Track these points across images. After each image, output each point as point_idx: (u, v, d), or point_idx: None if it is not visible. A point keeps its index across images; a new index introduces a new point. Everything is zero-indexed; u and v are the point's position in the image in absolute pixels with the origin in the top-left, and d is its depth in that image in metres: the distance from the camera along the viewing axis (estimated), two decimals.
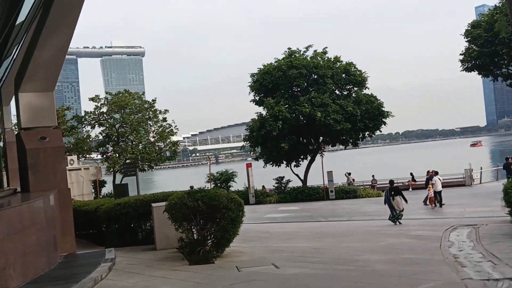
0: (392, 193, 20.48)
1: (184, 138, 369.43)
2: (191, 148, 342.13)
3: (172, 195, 13.16)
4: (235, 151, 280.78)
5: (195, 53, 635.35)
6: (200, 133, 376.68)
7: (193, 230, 11.82)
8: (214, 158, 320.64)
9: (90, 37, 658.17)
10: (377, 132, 40.34)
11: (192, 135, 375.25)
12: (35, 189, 15.97)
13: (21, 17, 16.45)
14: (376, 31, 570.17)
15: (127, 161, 39.68)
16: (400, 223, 19.66)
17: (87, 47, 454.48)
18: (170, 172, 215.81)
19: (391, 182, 22.02)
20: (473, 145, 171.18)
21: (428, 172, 37.63)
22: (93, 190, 40.37)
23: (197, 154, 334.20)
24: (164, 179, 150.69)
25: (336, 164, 70.80)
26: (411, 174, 42.80)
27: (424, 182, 33.89)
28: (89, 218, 16.89)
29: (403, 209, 20.47)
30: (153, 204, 14.52)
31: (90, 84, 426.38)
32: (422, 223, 19.92)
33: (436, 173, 29.90)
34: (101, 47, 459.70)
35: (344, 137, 38.37)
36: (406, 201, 20.86)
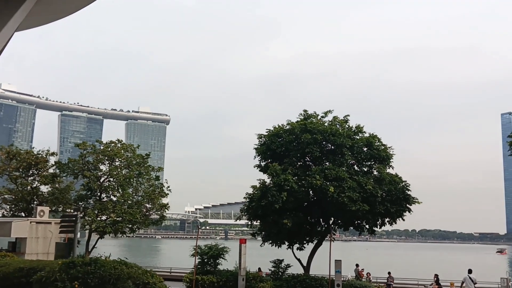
0: None
1: (196, 209, 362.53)
2: (202, 220, 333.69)
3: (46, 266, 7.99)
4: (246, 228, 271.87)
5: (219, 127, 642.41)
6: (213, 206, 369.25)
7: None
8: (224, 233, 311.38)
9: (120, 100, 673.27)
10: (399, 221, 33.76)
11: (204, 207, 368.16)
12: None
13: None
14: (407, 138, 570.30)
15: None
16: None
17: (115, 109, 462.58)
18: (177, 242, 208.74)
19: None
20: (499, 252, 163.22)
21: (435, 275, 35.79)
22: None
23: (207, 228, 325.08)
24: (169, 248, 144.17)
25: (346, 253, 63.98)
26: (436, 276, 36.06)
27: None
28: None
29: None
30: None
31: None
32: None
33: (470, 271, 28.22)
34: (128, 111, 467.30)
35: (359, 221, 32.25)
36: None
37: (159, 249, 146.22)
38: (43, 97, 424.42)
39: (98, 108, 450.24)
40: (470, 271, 28.54)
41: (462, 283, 28.56)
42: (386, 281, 37.04)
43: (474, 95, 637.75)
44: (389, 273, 37.96)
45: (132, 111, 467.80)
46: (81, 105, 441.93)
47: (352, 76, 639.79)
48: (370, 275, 38.55)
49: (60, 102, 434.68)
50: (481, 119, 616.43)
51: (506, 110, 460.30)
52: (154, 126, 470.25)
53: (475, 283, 27.95)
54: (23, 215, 40.00)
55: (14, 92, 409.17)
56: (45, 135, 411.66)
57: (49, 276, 8.16)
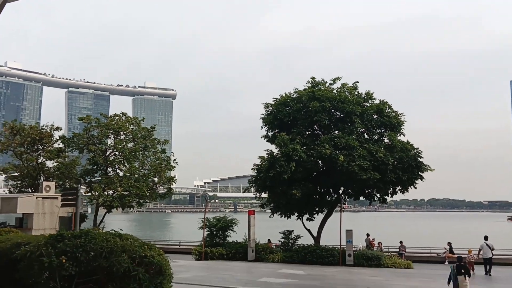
0: (462, 271, 16.48)
1: (205, 183, 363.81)
2: (211, 193, 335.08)
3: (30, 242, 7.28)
4: (254, 201, 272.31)
5: (224, 101, 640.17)
6: (222, 179, 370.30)
7: None
8: (233, 206, 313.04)
9: (126, 75, 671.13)
10: (410, 189, 32.84)
11: (213, 180, 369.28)
12: None
13: None
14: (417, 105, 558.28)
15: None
16: None
17: (121, 85, 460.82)
18: (187, 215, 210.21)
19: (460, 258, 17.22)
20: (510, 219, 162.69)
21: (449, 243, 36.11)
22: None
23: (216, 201, 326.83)
24: (179, 221, 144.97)
25: (356, 224, 63.59)
26: (449, 244, 35.49)
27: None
28: None
29: None
30: None
31: None
32: None
33: (486, 238, 28.32)
34: (135, 86, 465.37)
35: (370, 190, 31.53)
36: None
37: (168, 223, 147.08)
38: (49, 74, 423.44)
39: (105, 84, 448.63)
40: (486, 238, 28.37)
41: (480, 250, 28.14)
42: (398, 250, 36.51)
43: (483, 63, 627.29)
44: (401, 242, 37.42)
45: (139, 86, 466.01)
46: (87, 82, 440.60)
47: (358, 48, 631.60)
48: (381, 244, 38.06)
49: (67, 79, 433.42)
50: (490, 86, 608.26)
51: None
52: (160, 101, 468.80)
53: (492, 249, 27.58)
54: (30, 191, 39.69)
55: (20, 70, 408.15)
56: (52, 112, 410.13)
57: (34, 250, 7.49)
